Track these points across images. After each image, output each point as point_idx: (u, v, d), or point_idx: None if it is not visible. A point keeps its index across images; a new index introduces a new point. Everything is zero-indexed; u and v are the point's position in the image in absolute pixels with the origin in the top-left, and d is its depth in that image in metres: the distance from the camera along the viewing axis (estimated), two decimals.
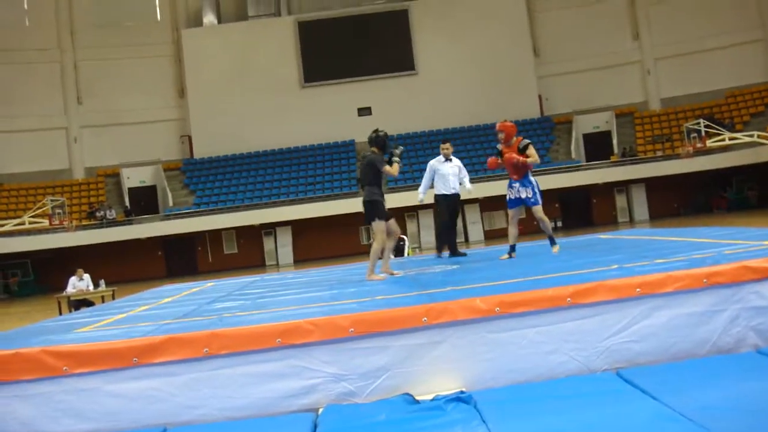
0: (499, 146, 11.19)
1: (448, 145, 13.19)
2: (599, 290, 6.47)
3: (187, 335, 6.22)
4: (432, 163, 13.23)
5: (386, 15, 48.67)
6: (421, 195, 13.39)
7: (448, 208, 13.13)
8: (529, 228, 40.59)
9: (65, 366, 6.00)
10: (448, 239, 13.68)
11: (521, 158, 10.75)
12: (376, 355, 6.25)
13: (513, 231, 11.43)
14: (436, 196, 13.16)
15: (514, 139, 10.97)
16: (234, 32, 48.06)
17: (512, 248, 11.31)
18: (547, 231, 11.13)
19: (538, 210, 10.93)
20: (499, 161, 11.17)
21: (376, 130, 10.47)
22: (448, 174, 12.99)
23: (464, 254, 13.28)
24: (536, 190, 10.88)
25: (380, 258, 10.45)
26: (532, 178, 10.94)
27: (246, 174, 46.42)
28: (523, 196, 10.92)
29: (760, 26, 45.58)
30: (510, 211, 11.30)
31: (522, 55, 48.01)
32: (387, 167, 10.16)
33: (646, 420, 4.80)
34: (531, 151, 10.82)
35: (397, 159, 10.25)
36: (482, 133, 46.42)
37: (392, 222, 10.48)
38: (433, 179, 13.20)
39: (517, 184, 10.95)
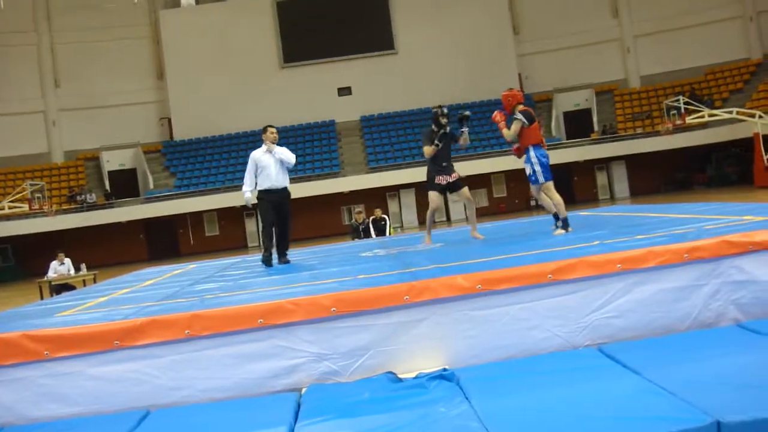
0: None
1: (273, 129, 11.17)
2: (580, 266, 6.49)
3: (168, 317, 6.21)
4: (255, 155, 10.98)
5: None
6: (248, 194, 10.86)
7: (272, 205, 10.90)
8: (512, 206, 40.46)
9: (46, 350, 5.99)
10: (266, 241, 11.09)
11: (500, 123, 10.37)
12: (359, 334, 6.26)
13: (543, 204, 10.68)
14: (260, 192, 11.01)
15: (520, 107, 10.32)
16: (212, 13, 47.73)
17: (562, 221, 10.20)
18: (559, 211, 10.21)
19: (546, 188, 10.26)
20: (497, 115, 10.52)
21: (438, 106, 11.10)
22: (270, 165, 10.84)
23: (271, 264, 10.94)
24: (535, 168, 10.18)
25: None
26: (533, 155, 10.19)
27: (227, 155, 46.19)
28: (527, 173, 10.34)
29: (738, 3, 45.63)
30: (532, 187, 10.60)
31: (502, 34, 47.92)
32: (425, 147, 10.86)
33: (628, 394, 4.82)
34: (513, 125, 10.22)
35: (437, 142, 10.79)
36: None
37: (464, 190, 11.02)
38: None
39: (524, 159, 10.35)
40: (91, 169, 46.56)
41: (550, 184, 10.32)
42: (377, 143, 45.57)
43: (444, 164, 10.94)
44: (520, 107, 10.36)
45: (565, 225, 10.12)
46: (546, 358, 6.09)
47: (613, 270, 6.51)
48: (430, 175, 11.00)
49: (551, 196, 10.28)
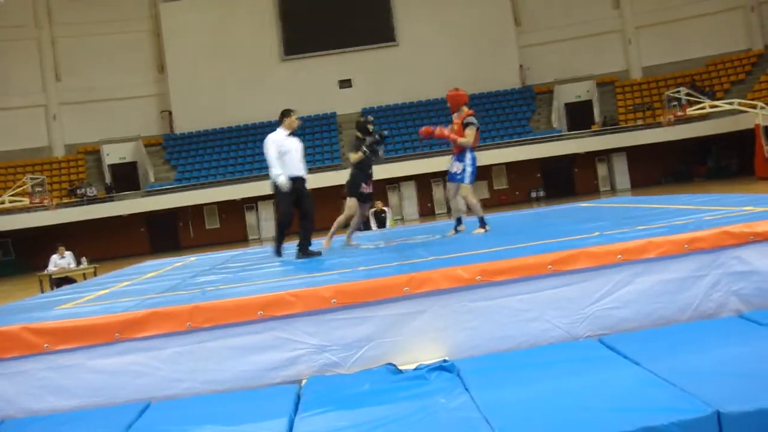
0: (454, 116, 10.74)
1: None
2: (581, 257, 6.48)
3: (169, 309, 6.21)
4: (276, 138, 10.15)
5: None
6: (284, 177, 9.96)
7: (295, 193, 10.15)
8: (513, 198, 40.43)
9: (46, 343, 5.98)
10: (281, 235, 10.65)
11: (451, 136, 10.36)
12: (359, 326, 6.25)
13: (453, 205, 11.08)
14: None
15: (465, 109, 10.53)
16: (213, 5, 47.61)
17: (479, 220, 10.59)
18: (476, 212, 10.54)
19: (464, 188, 10.42)
20: (432, 131, 10.52)
21: (362, 115, 11.06)
22: (292, 150, 10.25)
23: (318, 253, 10.32)
24: (468, 168, 10.35)
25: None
26: (468, 156, 10.39)
27: (227, 148, 46.20)
28: (453, 170, 10.50)
29: None
30: (448, 184, 10.85)
31: (503, 25, 47.87)
32: (350, 154, 10.93)
33: (628, 385, 4.82)
34: (468, 131, 10.31)
35: (364, 149, 10.80)
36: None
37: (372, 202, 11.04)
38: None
39: (453, 157, 10.56)
40: (91, 163, 46.57)
41: (470, 187, 10.49)
42: None
43: (369, 172, 11.03)
44: (467, 109, 10.56)
45: (483, 224, 10.48)
46: (546, 349, 6.08)
47: (614, 261, 6.50)
48: (356, 182, 10.93)
49: (469, 199, 10.50)
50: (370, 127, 10.98)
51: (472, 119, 10.40)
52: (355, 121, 11.26)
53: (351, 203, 10.93)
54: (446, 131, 10.46)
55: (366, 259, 8.59)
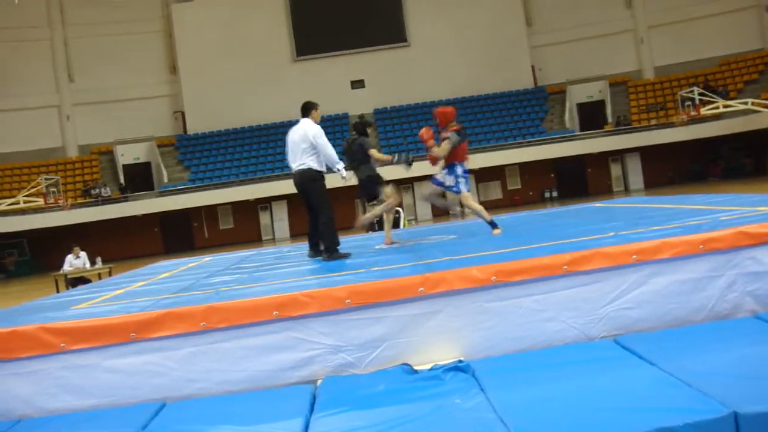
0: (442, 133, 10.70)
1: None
2: (596, 258, 6.47)
3: (184, 309, 6.23)
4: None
5: None
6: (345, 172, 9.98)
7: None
8: (527, 198, 40.54)
9: (62, 343, 6.02)
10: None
11: (430, 141, 10.31)
12: (374, 326, 6.26)
13: (441, 203, 11.26)
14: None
15: (454, 124, 10.48)
16: (225, 5, 47.68)
17: (489, 224, 10.59)
18: (482, 217, 10.58)
19: (465, 198, 10.44)
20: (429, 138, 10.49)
21: (361, 116, 11.10)
22: None
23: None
24: (460, 179, 10.36)
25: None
26: (459, 170, 10.37)
27: (240, 149, 46.29)
28: (447, 183, 10.50)
29: None
30: (427, 183, 10.91)
31: (514, 25, 47.80)
32: (373, 150, 10.56)
33: (644, 386, 4.81)
34: (443, 144, 10.30)
35: (403, 158, 10.88)
36: (475, 104, 46.34)
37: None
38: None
39: (444, 170, 10.53)
40: (105, 163, 46.70)
41: (469, 194, 10.51)
42: (390, 136, 45.52)
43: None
44: (454, 125, 10.49)
45: (494, 226, 10.48)
46: (561, 350, 6.08)
47: (629, 261, 6.49)
48: (375, 181, 10.63)
49: (470, 205, 10.52)
50: (369, 130, 10.86)
51: (452, 134, 10.32)
52: (354, 123, 10.92)
53: (389, 191, 10.66)
54: (426, 135, 10.44)
55: (380, 260, 8.59)
